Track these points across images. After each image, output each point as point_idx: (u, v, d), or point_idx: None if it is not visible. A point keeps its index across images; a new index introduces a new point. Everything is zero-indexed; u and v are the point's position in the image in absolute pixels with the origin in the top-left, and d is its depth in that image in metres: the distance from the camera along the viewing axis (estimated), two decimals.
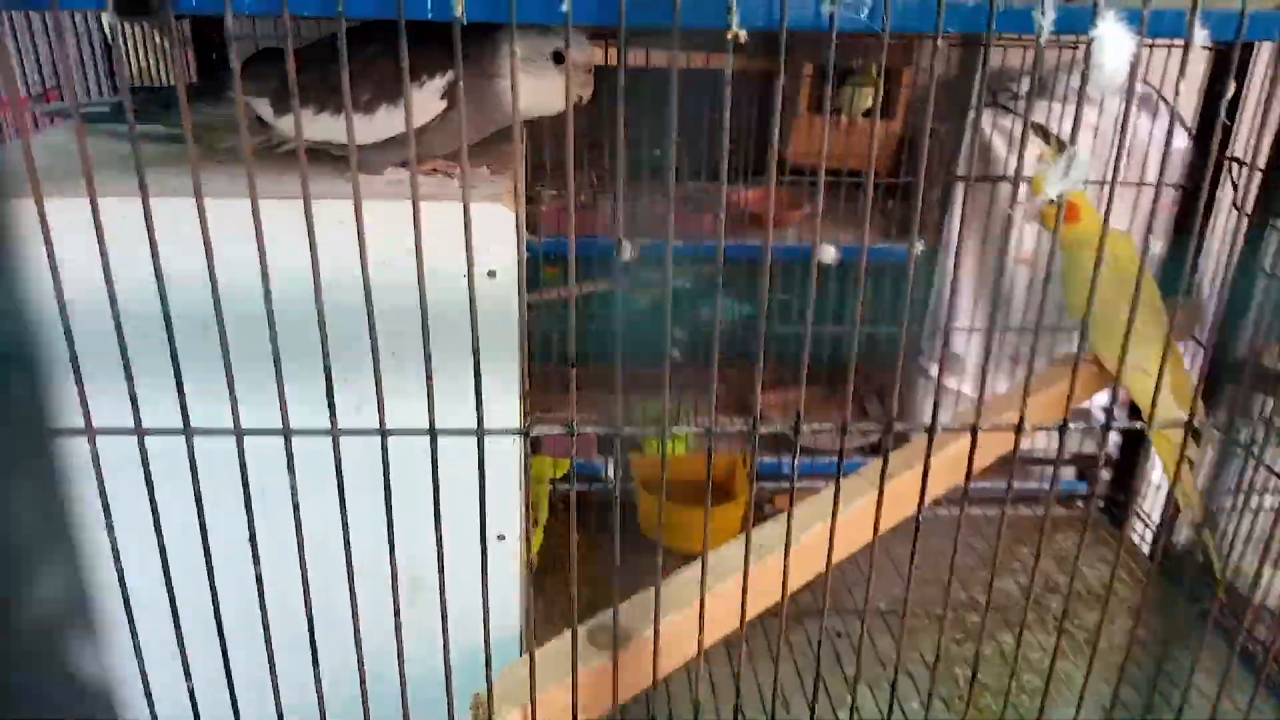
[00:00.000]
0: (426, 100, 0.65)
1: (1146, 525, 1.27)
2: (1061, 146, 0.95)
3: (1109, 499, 1.34)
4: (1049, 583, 1.19)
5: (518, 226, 0.50)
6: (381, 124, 0.65)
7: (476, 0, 0.47)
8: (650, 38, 1.46)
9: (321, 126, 0.66)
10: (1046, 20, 0.48)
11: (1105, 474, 1.37)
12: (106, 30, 1.19)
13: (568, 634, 0.61)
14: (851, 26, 0.49)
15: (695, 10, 0.47)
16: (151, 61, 1.26)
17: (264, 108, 0.67)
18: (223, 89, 0.67)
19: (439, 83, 0.65)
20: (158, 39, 1.30)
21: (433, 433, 0.52)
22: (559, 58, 0.66)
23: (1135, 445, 1.28)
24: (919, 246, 0.49)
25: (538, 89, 0.66)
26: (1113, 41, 0.49)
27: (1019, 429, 0.57)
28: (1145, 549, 1.26)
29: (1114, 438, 1.39)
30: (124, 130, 0.53)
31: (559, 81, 0.67)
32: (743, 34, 0.46)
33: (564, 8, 0.43)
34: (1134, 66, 0.49)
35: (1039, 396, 0.96)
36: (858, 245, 1.61)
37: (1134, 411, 1.17)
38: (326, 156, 0.69)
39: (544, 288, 1.57)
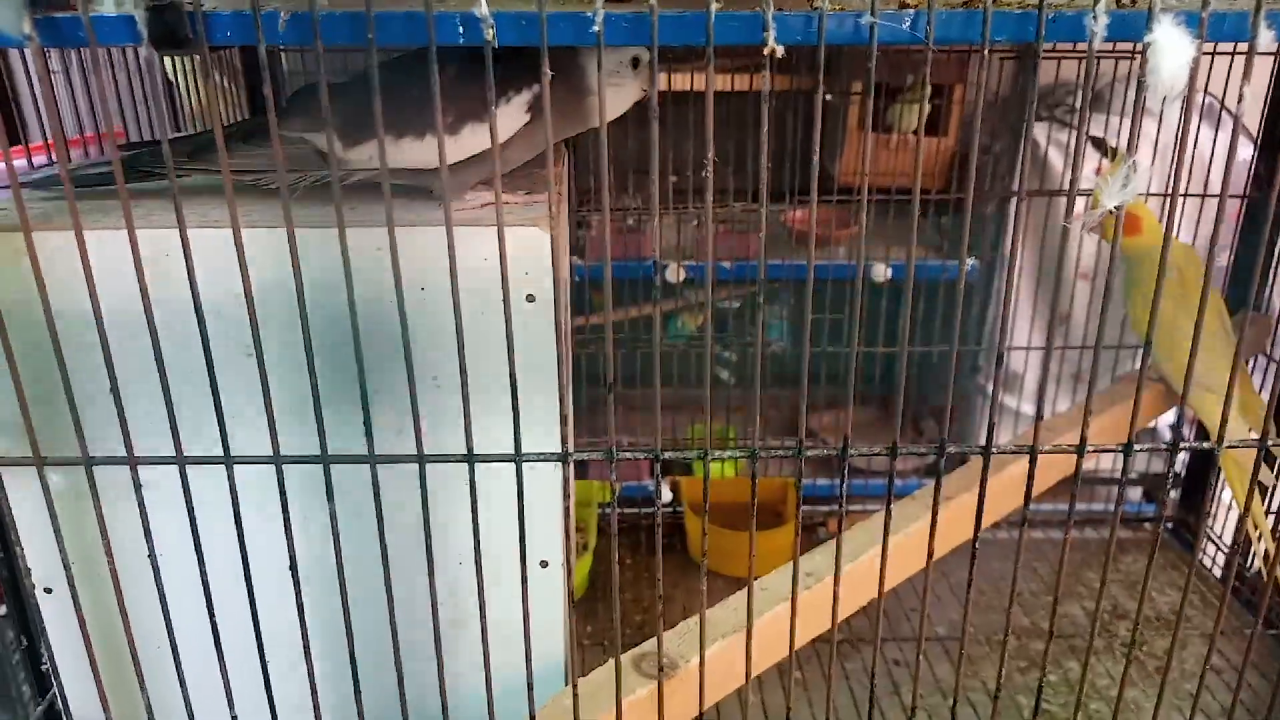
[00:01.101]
0: (513, 115, 0.67)
1: (1219, 548, 1.22)
2: (1116, 155, 0.92)
3: (1179, 520, 1.29)
4: (1117, 608, 1.15)
5: (554, 248, 0.50)
6: (467, 143, 0.66)
7: (507, 25, 0.46)
8: (697, 61, 1.46)
9: (403, 153, 0.65)
10: (1099, 26, 0.46)
11: (1174, 494, 1.32)
12: (168, 70, 1.21)
13: (613, 662, 0.59)
14: (893, 38, 0.47)
15: (730, 28, 0.46)
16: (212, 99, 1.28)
17: (327, 141, 0.67)
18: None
19: (525, 97, 0.66)
20: (217, 77, 1.32)
21: (470, 458, 0.51)
22: (636, 63, 0.69)
23: (1204, 464, 1.24)
24: (970, 262, 0.48)
25: (617, 96, 0.70)
26: (1170, 47, 0.47)
27: (1080, 451, 0.54)
28: (1218, 572, 1.21)
29: (1182, 456, 1.34)
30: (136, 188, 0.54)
31: (634, 86, 0.70)
32: (780, 49, 0.45)
33: (594, 29, 0.43)
34: (1193, 72, 0.47)
35: (1102, 417, 0.93)
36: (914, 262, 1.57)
37: (1203, 430, 1.13)
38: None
39: (592, 312, 1.57)
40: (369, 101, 0.45)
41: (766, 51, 0.45)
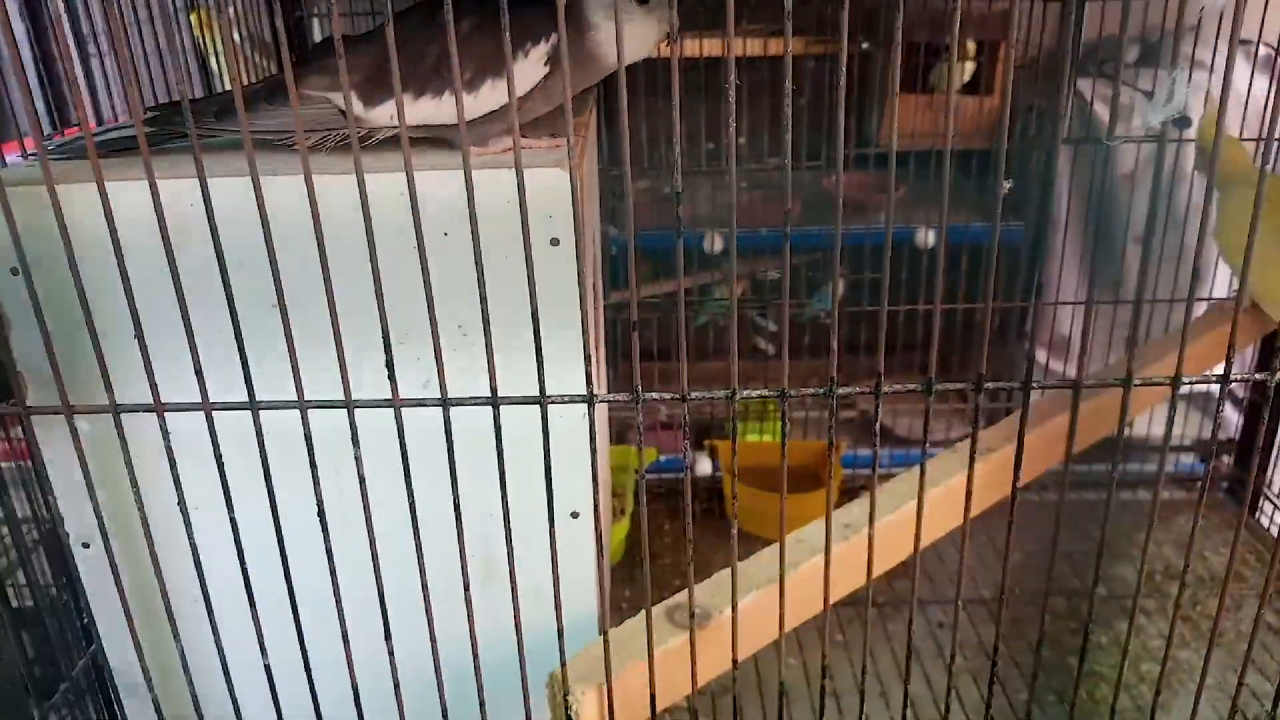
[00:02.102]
0: (531, 68, 0.65)
1: (1276, 506, 1.18)
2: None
3: (1235, 479, 1.26)
4: (1170, 569, 1.12)
5: (573, 185, 0.49)
6: (486, 99, 0.65)
7: None
8: (736, 26, 1.44)
9: (421, 111, 0.65)
10: None
11: (1228, 457, 1.28)
12: (196, 35, 1.22)
13: (644, 613, 0.59)
14: None
15: None
16: (250, 78, 1.28)
17: (347, 100, 0.67)
18: (297, 84, 0.65)
19: (543, 48, 0.64)
20: (248, 52, 1.33)
21: (495, 401, 0.50)
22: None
23: (1257, 420, 1.20)
24: (1007, 184, 0.46)
25: (625, 36, 0.65)
26: None
27: (1126, 384, 0.52)
28: (1275, 531, 1.17)
29: (1235, 418, 1.31)
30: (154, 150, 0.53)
31: (646, 24, 0.66)
32: None
33: None
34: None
35: (1160, 363, 0.90)
36: (958, 225, 1.55)
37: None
38: (415, 140, 0.67)
39: (629, 288, 1.55)
40: (387, 58, 0.45)
41: None
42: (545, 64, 0.64)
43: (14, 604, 0.71)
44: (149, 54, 1.11)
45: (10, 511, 0.60)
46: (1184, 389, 0.52)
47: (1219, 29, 1.02)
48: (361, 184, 0.48)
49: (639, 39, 0.66)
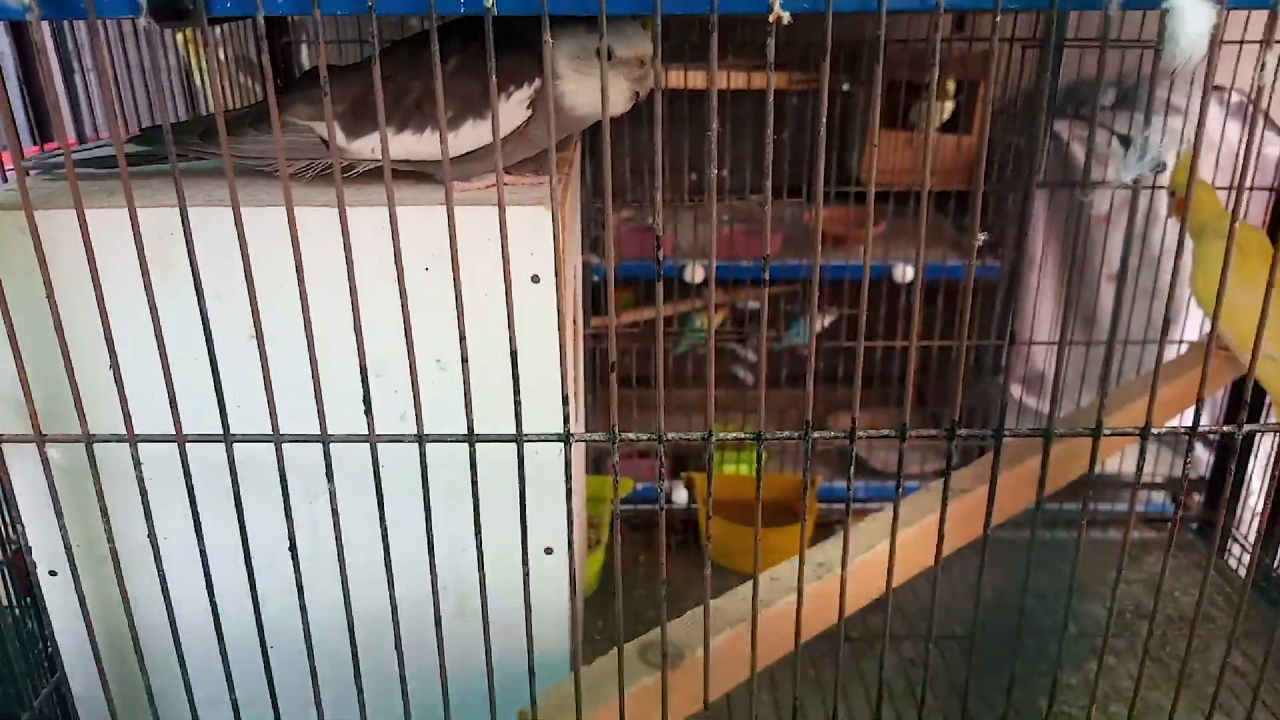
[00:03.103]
0: (512, 112, 0.64)
1: (1244, 548, 1.19)
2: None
3: (1205, 520, 1.27)
4: (1140, 608, 1.13)
5: (555, 224, 0.49)
6: (466, 139, 0.65)
7: None
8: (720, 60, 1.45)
9: (401, 146, 0.65)
10: None
11: (1198, 496, 1.30)
12: (183, 53, 1.22)
13: (617, 651, 0.58)
14: (904, 6, 0.46)
15: None
16: (235, 99, 1.28)
17: (330, 131, 0.66)
18: (281, 112, 0.64)
19: (526, 92, 0.64)
20: (233, 71, 1.32)
21: (471, 438, 0.50)
22: (608, 54, 0.64)
23: (1227, 461, 1.21)
24: (982, 237, 0.46)
25: (593, 89, 0.64)
26: (1189, 11, 0.45)
27: (1096, 434, 0.53)
28: (1244, 572, 1.18)
29: (1206, 457, 1.32)
30: (138, 173, 0.53)
31: (613, 79, 0.65)
32: (786, 16, 0.44)
33: None
34: (1214, 38, 0.46)
35: (1131, 407, 0.91)
36: (936, 263, 1.56)
37: (1228, 421, 1.10)
38: (398, 173, 0.67)
39: (607, 315, 1.56)
40: (371, 91, 0.45)
41: (773, 19, 0.44)
42: (527, 107, 0.64)
43: None
44: (134, 70, 1.11)
45: None
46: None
47: (1192, 78, 1.05)
48: (343, 215, 0.48)
49: (611, 95, 0.65)
